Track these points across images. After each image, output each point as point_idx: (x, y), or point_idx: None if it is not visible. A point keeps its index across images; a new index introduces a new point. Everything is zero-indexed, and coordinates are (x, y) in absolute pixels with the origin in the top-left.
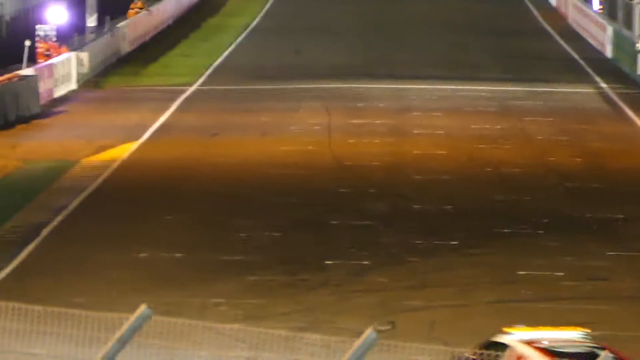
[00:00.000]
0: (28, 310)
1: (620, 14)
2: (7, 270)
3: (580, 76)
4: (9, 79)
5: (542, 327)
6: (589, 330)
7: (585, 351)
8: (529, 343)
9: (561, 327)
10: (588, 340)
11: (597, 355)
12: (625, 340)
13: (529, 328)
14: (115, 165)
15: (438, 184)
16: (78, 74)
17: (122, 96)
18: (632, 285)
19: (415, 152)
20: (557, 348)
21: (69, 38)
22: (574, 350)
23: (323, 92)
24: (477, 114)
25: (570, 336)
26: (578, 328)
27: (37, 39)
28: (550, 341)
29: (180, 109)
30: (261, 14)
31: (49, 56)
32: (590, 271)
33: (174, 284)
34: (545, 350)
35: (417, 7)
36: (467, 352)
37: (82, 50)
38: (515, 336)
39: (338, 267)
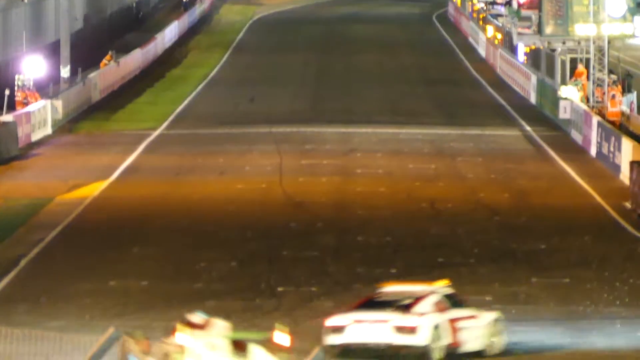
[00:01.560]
0: (8, 332)
1: (543, 64)
2: None
3: (506, 120)
4: None
5: None
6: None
7: None
8: None
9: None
10: None
11: None
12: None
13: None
14: (87, 202)
15: (379, 218)
16: (53, 120)
17: (93, 140)
18: (555, 309)
19: (358, 189)
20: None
21: (45, 87)
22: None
23: (275, 135)
24: (414, 155)
25: None
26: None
27: (15, 88)
28: None
29: (146, 151)
30: (219, 66)
31: (26, 104)
32: (517, 296)
33: (141, 309)
34: None
35: (361, 60)
36: None
37: (57, 99)
38: None
39: (289, 294)
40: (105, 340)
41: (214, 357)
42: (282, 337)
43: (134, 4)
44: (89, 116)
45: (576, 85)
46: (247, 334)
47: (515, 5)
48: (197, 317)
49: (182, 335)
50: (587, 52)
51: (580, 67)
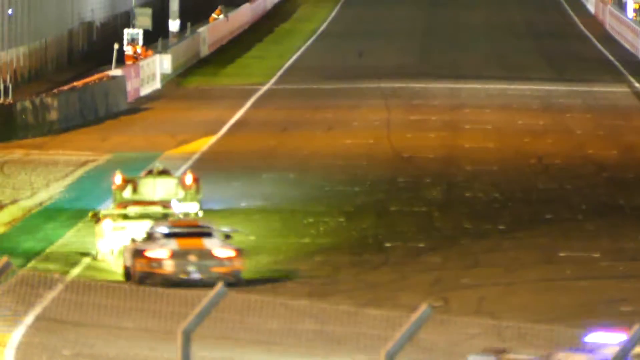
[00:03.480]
0: (116, 288)
1: None
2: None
3: (616, 77)
4: (100, 78)
5: None
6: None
7: None
8: None
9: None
10: None
11: None
12: None
13: None
14: (195, 157)
15: (487, 173)
16: (162, 74)
17: (202, 94)
18: None
19: (467, 145)
20: None
21: (154, 41)
22: None
23: (383, 90)
24: (523, 110)
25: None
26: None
27: (125, 42)
28: None
29: (254, 106)
30: (328, 20)
31: (136, 58)
32: (625, 252)
33: (249, 264)
34: None
35: (466, 14)
36: None
37: (166, 53)
38: None
39: (397, 249)
40: (213, 295)
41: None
42: (188, 177)
43: None
44: (197, 70)
45: None
46: (173, 177)
47: None
48: (156, 167)
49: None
50: None
51: None
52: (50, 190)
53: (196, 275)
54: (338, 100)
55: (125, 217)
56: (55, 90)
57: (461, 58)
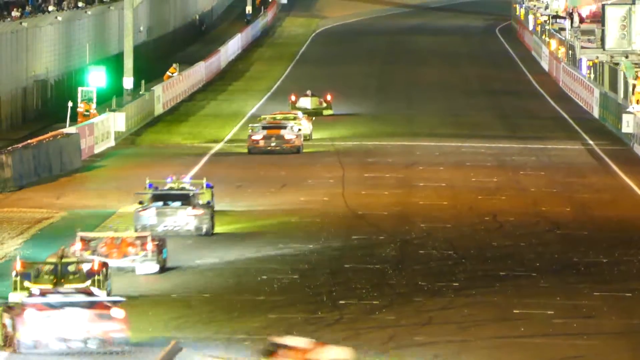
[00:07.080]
0: None
1: (605, 78)
2: None
3: (569, 134)
4: (54, 136)
5: None
6: None
7: None
8: None
9: None
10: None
11: None
12: None
13: None
14: None
15: (441, 231)
16: (116, 132)
17: (156, 152)
18: (617, 322)
19: (421, 202)
20: None
21: (108, 99)
22: None
23: (337, 147)
24: (477, 167)
25: None
26: None
27: (79, 100)
28: None
29: (208, 163)
30: (281, 78)
31: (87, 116)
32: (579, 309)
33: (202, 321)
34: None
35: (423, 72)
36: None
37: (120, 111)
38: None
39: (351, 306)
40: (167, 352)
41: None
42: (327, 96)
43: (197, 17)
44: (151, 128)
45: None
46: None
47: (576, 19)
48: (309, 91)
49: None
50: None
51: None
52: (4, 247)
53: (276, 148)
54: (292, 158)
55: (274, 118)
56: (9, 148)
57: (415, 115)
